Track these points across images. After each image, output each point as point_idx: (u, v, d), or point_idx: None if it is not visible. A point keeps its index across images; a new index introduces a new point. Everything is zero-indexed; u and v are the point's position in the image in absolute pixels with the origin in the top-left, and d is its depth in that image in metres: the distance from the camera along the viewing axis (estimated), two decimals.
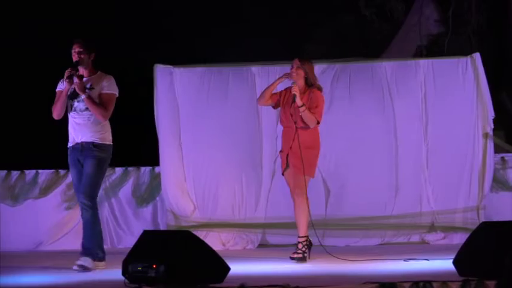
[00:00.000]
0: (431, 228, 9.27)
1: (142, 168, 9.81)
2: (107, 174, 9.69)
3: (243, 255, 8.24)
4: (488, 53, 12.06)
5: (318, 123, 7.79)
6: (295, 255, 7.66)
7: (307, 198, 7.71)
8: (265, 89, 8.02)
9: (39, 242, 9.65)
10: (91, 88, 7.48)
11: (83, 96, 7.39)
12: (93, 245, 7.44)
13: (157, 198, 9.67)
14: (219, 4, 12.76)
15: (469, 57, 9.42)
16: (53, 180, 9.79)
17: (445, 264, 6.52)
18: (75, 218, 9.69)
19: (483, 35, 13.34)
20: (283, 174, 7.94)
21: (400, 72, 9.49)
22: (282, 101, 7.91)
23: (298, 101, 7.65)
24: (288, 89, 7.86)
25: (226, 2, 12.79)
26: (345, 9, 13.43)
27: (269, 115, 9.38)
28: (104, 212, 9.69)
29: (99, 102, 7.44)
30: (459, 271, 6.08)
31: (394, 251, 8.26)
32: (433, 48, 13.16)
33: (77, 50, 7.51)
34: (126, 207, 9.76)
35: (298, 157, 7.67)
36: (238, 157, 9.46)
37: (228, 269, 6.17)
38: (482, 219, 8.79)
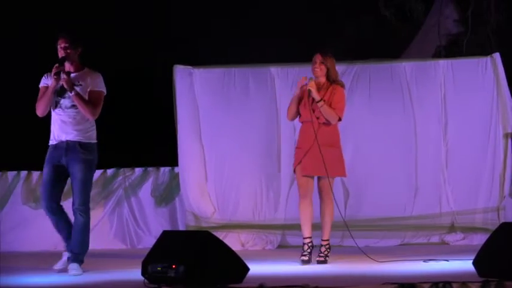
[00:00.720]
0: (451, 228, 9.25)
1: (162, 169, 9.82)
2: (126, 174, 9.77)
3: (262, 256, 8.25)
4: (508, 53, 12.00)
5: (340, 119, 7.70)
6: (319, 259, 7.62)
7: (333, 200, 7.68)
8: (289, 106, 7.84)
9: (61, 242, 9.67)
10: (79, 85, 7.23)
11: (71, 94, 7.13)
12: (83, 251, 7.22)
13: (177, 199, 9.69)
14: (239, 5, 12.76)
15: (488, 57, 9.40)
16: None
17: (464, 264, 6.51)
18: (94, 219, 9.69)
19: (503, 35, 13.27)
20: (294, 171, 7.82)
21: (420, 72, 9.47)
22: (302, 95, 7.76)
23: (315, 96, 7.56)
24: (311, 80, 7.72)
25: (245, 3, 12.79)
26: (364, 10, 13.41)
27: (288, 120, 9.37)
28: (124, 212, 9.75)
29: (87, 99, 7.22)
30: (479, 272, 6.06)
31: (414, 251, 8.25)
32: (452, 49, 13.12)
33: (62, 45, 7.24)
34: (145, 207, 9.79)
35: (320, 159, 7.55)
36: (257, 159, 9.47)
37: (247, 269, 6.18)
38: (502, 220, 8.76)
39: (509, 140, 9.24)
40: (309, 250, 7.67)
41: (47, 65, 7.28)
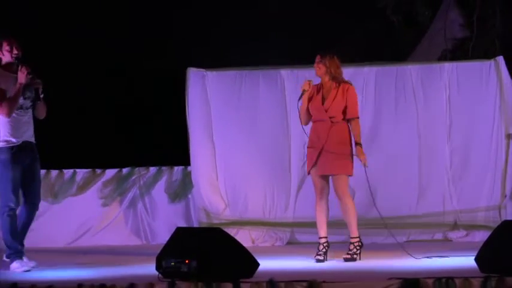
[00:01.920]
0: (454, 226, 9.26)
1: (175, 168, 9.86)
2: (141, 173, 9.83)
3: (272, 252, 8.26)
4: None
5: (357, 118, 7.60)
6: (345, 256, 7.47)
7: (351, 198, 7.61)
8: (300, 112, 7.76)
9: (77, 238, 9.75)
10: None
11: (40, 88, 7.19)
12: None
13: (189, 196, 9.72)
14: (250, 9, 12.78)
15: (492, 60, 9.39)
16: (90, 179, 9.86)
17: (467, 261, 6.53)
18: (110, 215, 9.80)
19: (507, 39, 13.26)
20: (309, 172, 7.70)
21: (425, 75, 9.47)
22: (311, 96, 7.70)
23: (304, 100, 7.59)
24: (315, 85, 7.70)
25: (256, 7, 12.81)
26: (373, 16, 13.42)
27: (297, 119, 9.38)
28: (138, 210, 9.78)
29: None
30: (481, 268, 6.07)
31: (419, 248, 8.22)
32: (458, 52, 13.11)
33: (16, 47, 7.17)
34: (159, 204, 9.82)
35: (333, 158, 7.48)
36: (268, 158, 9.48)
37: (258, 264, 6.22)
38: (504, 218, 8.75)
39: (511, 141, 9.27)
40: (324, 250, 7.56)
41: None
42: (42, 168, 9.72)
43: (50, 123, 11.99)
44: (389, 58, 10.15)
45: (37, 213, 9.59)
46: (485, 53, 12.08)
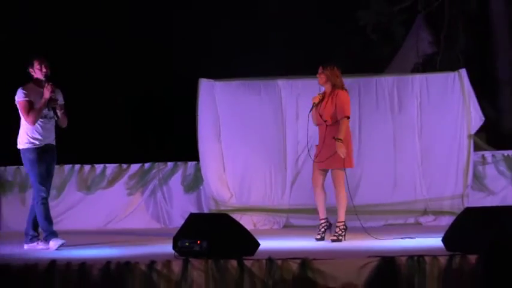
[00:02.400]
0: (424, 212, 9.25)
1: (189, 163, 9.85)
2: (160, 167, 9.84)
3: (270, 234, 8.25)
4: (473, 69, 12.01)
5: (348, 117, 7.45)
6: (332, 237, 7.44)
7: (345, 188, 7.48)
8: (311, 117, 7.70)
9: (107, 222, 9.75)
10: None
11: (58, 107, 7.27)
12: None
13: (201, 187, 9.71)
14: (251, 25, 12.78)
15: (456, 72, 9.39)
16: (117, 173, 9.85)
17: (435, 241, 6.51)
18: (134, 203, 9.80)
19: (469, 54, 13.26)
20: (314, 161, 7.60)
21: (400, 85, 9.46)
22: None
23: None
24: (322, 94, 7.65)
25: (257, 25, 12.82)
26: (356, 33, 13.42)
27: (292, 123, 9.41)
28: (158, 198, 9.78)
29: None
30: (447, 247, 6.08)
31: (394, 230, 8.25)
32: (427, 65, 13.11)
33: (45, 66, 7.27)
34: (175, 194, 9.80)
35: (330, 155, 7.41)
36: (267, 155, 9.46)
37: (258, 244, 6.21)
38: (466, 205, 8.75)
39: (472, 140, 9.27)
40: (323, 229, 7.54)
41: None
42: (77, 163, 9.83)
43: (85, 123, 12.04)
44: (370, 70, 10.12)
45: (74, 201, 9.72)
46: (450, 66, 12.06)
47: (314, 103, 7.59)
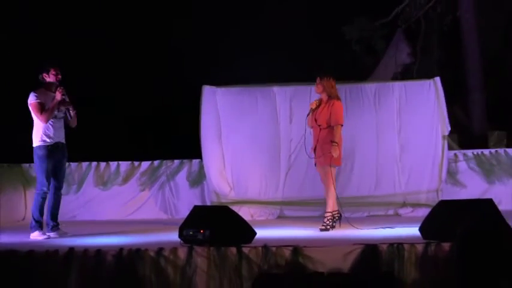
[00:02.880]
0: (403, 204, 9.20)
1: (194, 160, 9.82)
2: (168, 164, 9.80)
3: (265, 224, 8.20)
4: (447, 77, 12.02)
5: (341, 125, 7.48)
6: (320, 227, 7.42)
7: (333, 183, 7.42)
8: (307, 120, 7.70)
9: (121, 213, 9.72)
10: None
11: (71, 108, 7.30)
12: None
13: (204, 182, 9.68)
14: (250, 35, 12.80)
15: (431, 80, 9.37)
16: (130, 171, 9.81)
17: (413, 230, 6.47)
18: (145, 196, 9.76)
19: (443, 64, 13.28)
20: (315, 164, 7.66)
21: (381, 91, 9.44)
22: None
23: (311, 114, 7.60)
24: (319, 100, 7.67)
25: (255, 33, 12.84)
26: (342, 46, 13.44)
27: (285, 124, 9.39)
28: (166, 192, 9.76)
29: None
30: (423, 236, 6.07)
31: (376, 221, 8.23)
32: (406, 74, 13.14)
33: (59, 72, 7.29)
34: (181, 188, 9.76)
35: (321, 153, 7.46)
36: (262, 153, 9.42)
37: (255, 233, 6.18)
38: (441, 198, 8.73)
39: (445, 140, 9.25)
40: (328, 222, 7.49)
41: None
42: (93, 160, 9.79)
43: (101, 125, 12.02)
44: (355, 78, 10.11)
45: (91, 196, 9.67)
46: (426, 74, 12.08)
47: (311, 108, 7.60)
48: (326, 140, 7.46)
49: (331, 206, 7.48)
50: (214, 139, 9.45)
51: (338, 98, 7.60)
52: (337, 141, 7.40)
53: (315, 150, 7.59)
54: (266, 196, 9.40)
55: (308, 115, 7.65)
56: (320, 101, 7.65)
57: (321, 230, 7.39)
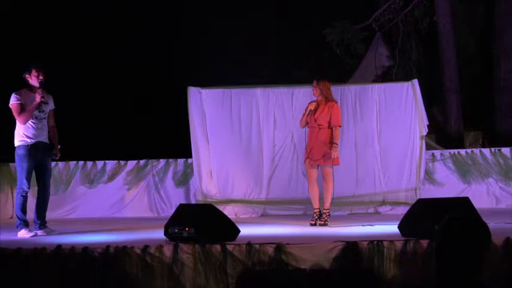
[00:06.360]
0: (383, 203, 9.22)
1: (179, 160, 9.79)
2: (154, 163, 9.76)
3: (249, 222, 8.21)
4: (425, 79, 12.07)
5: (339, 126, 7.76)
6: (320, 222, 7.64)
7: (332, 181, 7.68)
8: (301, 119, 7.90)
9: (107, 212, 9.66)
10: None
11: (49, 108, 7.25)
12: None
13: (190, 182, 9.65)
14: (237, 39, 12.78)
15: (409, 82, 9.41)
16: (117, 169, 9.77)
17: (392, 228, 6.50)
18: (131, 195, 9.71)
19: (420, 67, 13.32)
20: (304, 162, 7.89)
21: (361, 93, 9.44)
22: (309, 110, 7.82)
23: (304, 114, 7.78)
24: (311, 103, 7.84)
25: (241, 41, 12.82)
26: (323, 48, 13.45)
27: (267, 126, 9.37)
28: (152, 191, 9.72)
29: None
30: (402, 233, 6.10)
31: (357, 219, 8.25)
32: (385, 76, 13.17)
33: (42, 74, 7.19)
34: (167, 187, 9.72)
35: (321, 153, 7.63)
36: (247, 155, 9.37)
37: (239, 231, 6.19)
38: (419, 197, 8.77)
39: (423, 140, 9.29)
40: (316, 217, 7.73)
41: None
42: (80, 160, 9.72)
43: (87, 125, 11.93)
44: (335, 80, 10.11)
45: (78, 194, 9.60)
46: (405, 77, 12.14)
47: (310, 109, 7.74)
48: (326, 140, 7.67)
49: (330, 202, 7.70)
50: (202, 140, 9.40)
51: (335, 100, 7.87)
52: (337, 142, 7.65)
53: (309, 149, 7.69)
54: (250, 196, 9.35)
55: (307, 115, 7.76)
56: (317, 103, 7.79)
57: (320, 225, 7.61)
